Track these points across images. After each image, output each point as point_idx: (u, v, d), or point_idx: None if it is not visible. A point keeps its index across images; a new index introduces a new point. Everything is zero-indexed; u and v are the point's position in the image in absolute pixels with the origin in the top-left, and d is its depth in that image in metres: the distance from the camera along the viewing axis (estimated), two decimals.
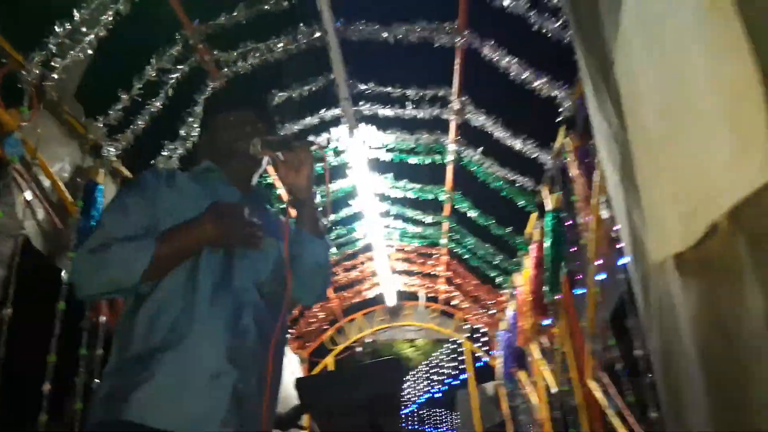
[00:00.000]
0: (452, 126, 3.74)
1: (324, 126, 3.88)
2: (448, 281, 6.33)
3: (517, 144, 3.48)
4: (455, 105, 3.54)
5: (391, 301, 6.89)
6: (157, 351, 1.30)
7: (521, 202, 3.98)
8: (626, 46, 1.01)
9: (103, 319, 2.66)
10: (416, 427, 13.50)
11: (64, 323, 2.42)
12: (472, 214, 4.56)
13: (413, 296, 7.05)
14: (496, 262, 5.10)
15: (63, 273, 2.51)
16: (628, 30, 1.00)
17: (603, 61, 1.11)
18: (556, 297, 3.69)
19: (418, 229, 5.21)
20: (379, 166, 4.30)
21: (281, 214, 1.87)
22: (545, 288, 3.84)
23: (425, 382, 11.52)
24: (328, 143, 3.91)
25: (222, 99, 1.82)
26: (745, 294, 0.70)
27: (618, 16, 1.01)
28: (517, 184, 3.87)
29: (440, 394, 11.79)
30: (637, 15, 0.96)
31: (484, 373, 7.46)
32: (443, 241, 5.34)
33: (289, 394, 2.85)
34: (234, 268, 1.44)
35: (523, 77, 2.98)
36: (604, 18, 1.08)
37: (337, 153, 4.13)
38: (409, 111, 3.67)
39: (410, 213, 4.93)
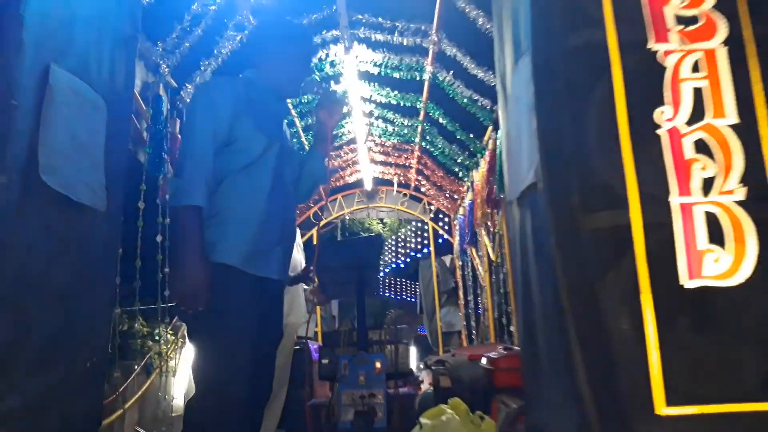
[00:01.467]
0: (430, 52, 4.59)
1: (325, 43, 4.69)
2: (418, 172, 7.41)
3: (480, 73, 4.39)
4: (433, 37, 4.39)
5: (368, 185, 7.99)
6: (244, 220, 1.96)
7: (481, 117, 4.95)
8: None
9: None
10: (384, 293, 15.19)
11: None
12: (443, 121, 5.52)
13: (388, 183, 8.14)
14: (459, 160, 6.15)
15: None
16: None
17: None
18: (501, 195, 4.81)
19: (397, 129, 6.17)
20: (367, 77, 5.16)
21: None
22: (495, 186, 4.97)
23: (393, 255, 12.96)
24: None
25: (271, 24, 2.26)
26: (530, 221, 1.76)
27: None
28: (478, 103, 4.82)
29: (404, 266, 13.27)
30: None
31: (443, 247, 8.86)
32: (417, 139, 6.33)
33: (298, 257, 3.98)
34: (284, 168, 2.11)
35: (486, 26, 3.85)
36: None
37: (334, 65, 4.97)
38: (397, 38, 4.49)
39: (391, 116, 5.85)
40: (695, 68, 1.49)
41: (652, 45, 1.51)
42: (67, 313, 1.82)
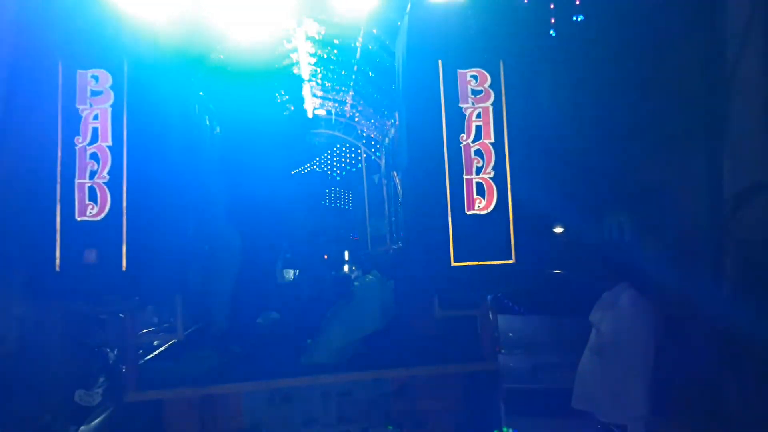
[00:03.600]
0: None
1: None
2: (352, 106, 9.05)
3: None
4: None
5: (310, 114, 9.56)
6: None
7: None
8: None
9: None
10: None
11: None
12: (372, 73, 7.11)
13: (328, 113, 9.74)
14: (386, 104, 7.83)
15: None
16: None
17: None
18: None
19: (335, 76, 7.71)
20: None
21: None
22: None
23: (329, 169, 14.71)
24: None
25: None
26: None
27: None
28: None
29: (339, 178, 15.07)
30: None
31: (372, 166, 10.72)
32: (351, 84, 7.93)
33: None
34: None
35: None
36: None
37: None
38: None
39: (331, 67, 7.38)
40: (478, 115, 3.30)
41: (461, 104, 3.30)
42: None
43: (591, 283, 4.47)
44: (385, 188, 9.75)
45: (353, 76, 7.47)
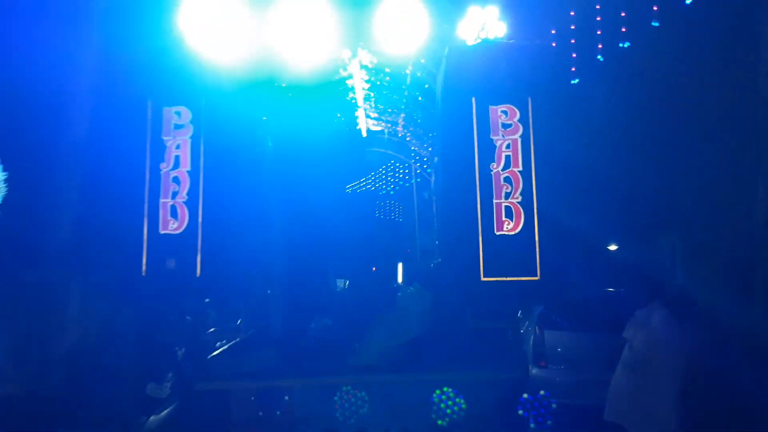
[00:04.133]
0: None
1: None
2: (404, 126, 9.52)
3: None
4: None
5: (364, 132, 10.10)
6: None
7: None
8: None
9: None
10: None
11: None
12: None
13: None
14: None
15: None
16: None
17: None
18: None
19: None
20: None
21: None
22: None
23: (383, 184, 15.15)
24: None
25: None
26: None
27: None
28: None
29: (393, 192, 15.47)
30: None
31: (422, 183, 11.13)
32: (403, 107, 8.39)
33: None
34: None
35: None
36: None
37: None
38: None
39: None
40: (507, 146, 3.68)
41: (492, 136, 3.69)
42: None
43: (631, 301, 4.64)
44: (434, 204, 10.17)
45: (404, 100, 7.94)
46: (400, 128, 9.69)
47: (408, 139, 10.18)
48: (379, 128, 10.07)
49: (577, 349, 8.06)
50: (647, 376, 4.26)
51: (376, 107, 8.81)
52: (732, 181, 4.56)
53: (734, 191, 4.44)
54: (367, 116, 9.35)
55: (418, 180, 11.14)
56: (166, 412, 6.36)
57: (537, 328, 5.41)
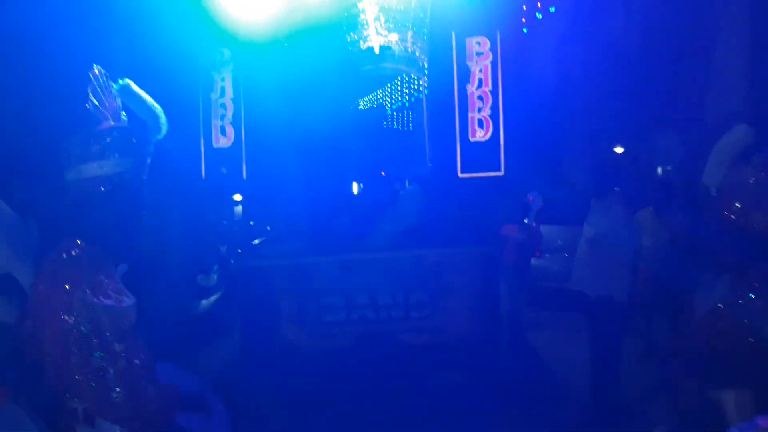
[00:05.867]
0: None
1: None
2: None
3: None
4: None
5: None
6: None
7: None
8: None
9: None
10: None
11: None
12: None
13: None
14: None
15: None
16: None
17: None
18: None
19: None
20: None
21: None
22: None
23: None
24: None
25: None
26: None
27: None
28: None
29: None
30: None
31: None
32: None
33: None
34: None
35: None
36: None
37: None
38: None
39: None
40: (480, 70, 4.64)
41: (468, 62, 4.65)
42: None
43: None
44: (425, 117, 11.08)
45: (411, 18, 8.63)
46: (409, 44, 10.43)
47: (417, 54, 10.92)
48: (390, 45, 10.80)
49: (566, 240, 9.24)
50: (604, 249, 5.37)
51: (386, 25, 9.54)
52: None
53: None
54: (378, 33, 10.09)
55: (427, 93, 11.97)
56: (214, 297, 7.85)
57: (534, 222, 6.52)
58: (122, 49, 3.72)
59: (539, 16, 4.29)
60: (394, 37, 10.38)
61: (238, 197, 6.82)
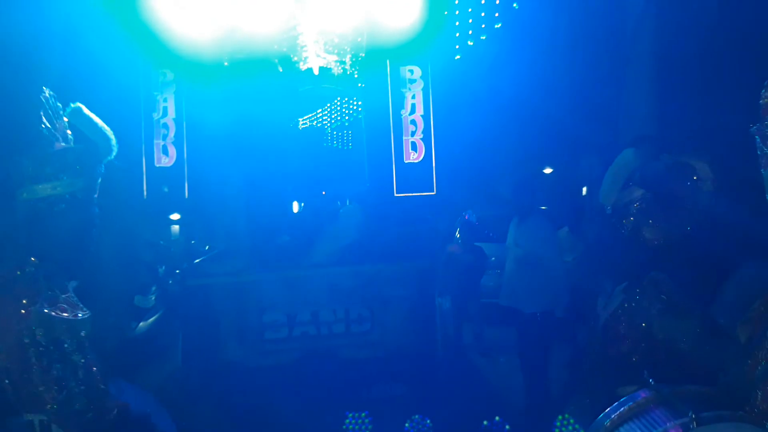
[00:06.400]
0: None
1: None
2: None
3: None
4: None
5: None
6: None
7: None
8: None
9: None
10: None
11: None
12: None
13: None
14: None
15: None
16: None
17: None
18: None
19: None
20: None
21: None
22: None
23: None
24: None
25: None
26: None
27: None
28: None
29: None
30: None
31: None
32: None
33: None
34: None
35: None
36: None
37: None
38: None
39: None
40: (413, 96, 4.97)
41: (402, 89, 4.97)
42: None
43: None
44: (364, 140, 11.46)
45: (350, 42, 8.95)
46: (347, 66, 10.75)
47: (356, 75, 11.26)
48: (329, 66, 11.09)
49: (498, 257, 9.71)
50: (534, 265, 5.74)
51: (325, 47, 9.83)
52: None
53: None
54: (317, 55, 10.36)
55: (364, 115, 12.30)
56: (153, 318, 7.76)
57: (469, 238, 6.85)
58: (63, 71, 3.79)
59: (471, 43, 4.66)
60: (332, 59, 10.73)
61: (175, 217, 6.85)
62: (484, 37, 4.90)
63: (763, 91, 1.69)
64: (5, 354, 2.25)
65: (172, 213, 5.10)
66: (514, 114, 5.55)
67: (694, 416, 1.66)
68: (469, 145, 4.84)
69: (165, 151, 4.94)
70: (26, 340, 2.18)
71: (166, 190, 4.96)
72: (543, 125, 6.04)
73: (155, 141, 4.94)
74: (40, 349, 2.18)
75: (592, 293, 3.55)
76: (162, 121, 4.93)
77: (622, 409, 1.83)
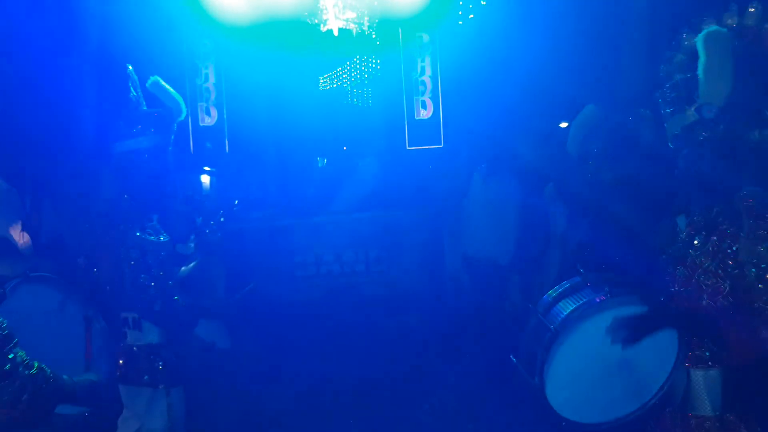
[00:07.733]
0: None
1: None
2: None
3: None
4: None
5: None
6: None
7: None
8: None
9: None
10: None
11: None
12: None
13: None
14: None
15: None
16: None
17: None
18: None
19: None
20: None
21: None
22: None
23: None
24: None
25: None
26: None
27: None
28: None
29: None
30: None
31: None
32: None
33: None
34: None
35: None
36: None
37: None
38: None
39: None
40: (422, 60, 5.62)
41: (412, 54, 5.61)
42: None
43: None
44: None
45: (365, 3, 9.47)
46: (365, 27, 11.26)
47: (373, 36, 11.77)
48: (348, 27, 11.61)
49: None
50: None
51: (344, 10, 10.35)
52: None
53: None
54: (336, 17, 10.89)
55: (380, 75, 12.83)
56: (192, 264, 8.64)
57: None
58: (125, 46, 4.53)
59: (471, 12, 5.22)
60: (351, 20, 11.24)
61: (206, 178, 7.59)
62: (483, 2, 5.46)
63: (662, 66, 2.36)
64: (108, 266, 3.09)
65: (216, 166, 5.85)
66: (515, 77, 6.04)
67: (608, 290, 2.43)
68: (474, 103, 5.43)
69: (207, 112, 5.70)
70: (122, 255, 3.01)
71: (209, 145, 5.73)
72: (542, 85, 6.53)
73: (199, 103, 5.68)
74: (131, 262, 3.01)
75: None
76: (204, 86, 5.67)
77: (560, 289, 2.61)
